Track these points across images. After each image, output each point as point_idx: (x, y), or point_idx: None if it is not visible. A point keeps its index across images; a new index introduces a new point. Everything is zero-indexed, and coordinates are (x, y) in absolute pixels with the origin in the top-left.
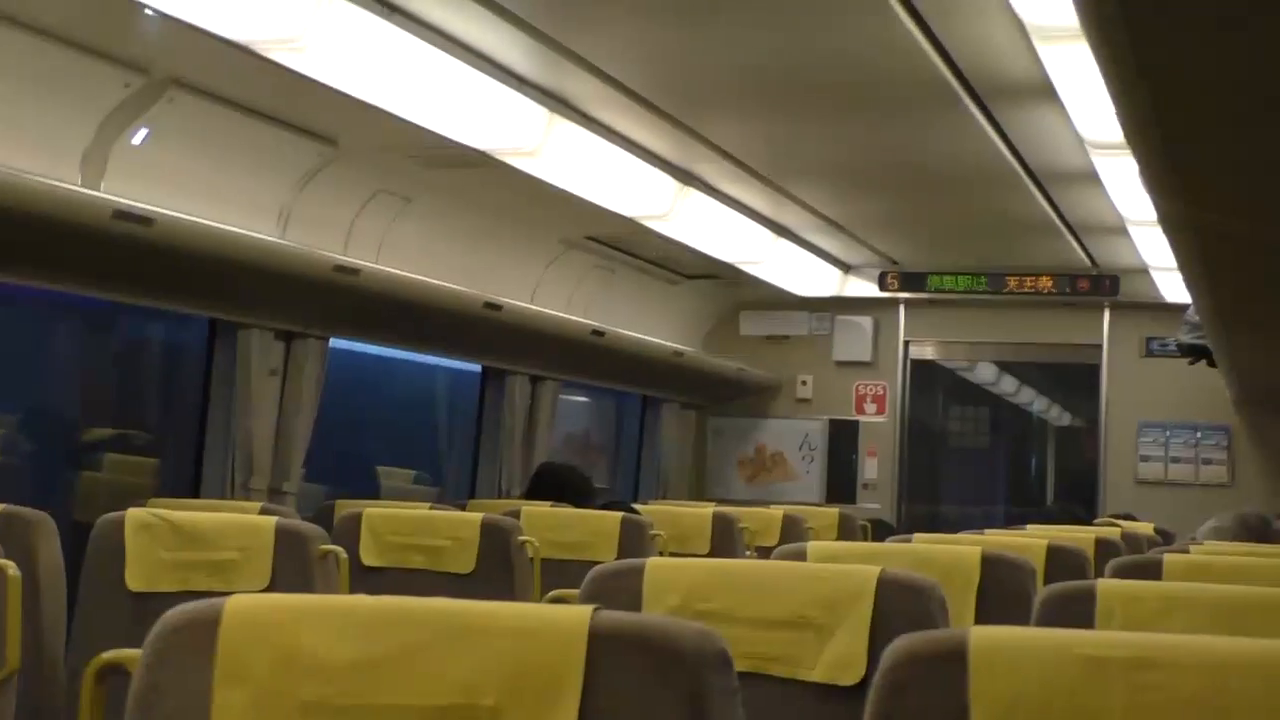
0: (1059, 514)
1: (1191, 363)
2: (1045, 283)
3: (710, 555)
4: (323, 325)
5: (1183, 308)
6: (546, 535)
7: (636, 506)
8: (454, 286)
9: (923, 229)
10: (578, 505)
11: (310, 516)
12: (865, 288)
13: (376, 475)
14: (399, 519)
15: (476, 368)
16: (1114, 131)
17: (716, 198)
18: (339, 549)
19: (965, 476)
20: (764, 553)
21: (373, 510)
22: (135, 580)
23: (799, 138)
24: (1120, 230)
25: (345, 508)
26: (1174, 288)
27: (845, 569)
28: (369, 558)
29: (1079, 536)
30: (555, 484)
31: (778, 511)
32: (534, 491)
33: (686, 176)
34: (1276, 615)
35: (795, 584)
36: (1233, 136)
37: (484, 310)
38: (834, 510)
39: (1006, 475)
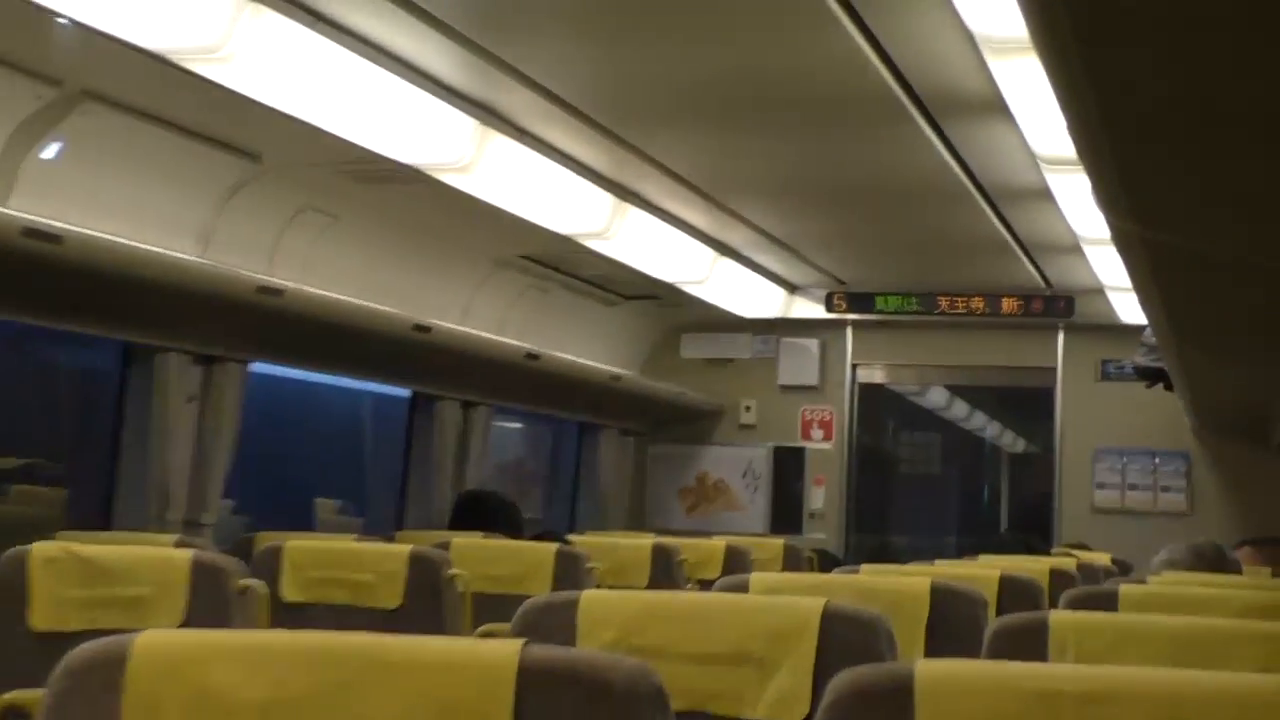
0: (1013, 544)
1: (1149, 386)
2: (1000, 304)
3: (649, 588)
4: (244, 349)
5: (1139, 329)
6: (478, 568)
7: (573, 538)
8: (382, 308)
9: (871, 248)
10: (507, 536)
11: (229, 549)
12: (811, 309)
13: (312, 507)
14: (322, 552)
15: (405, 393)
16: (1066, 146)
17: (656, 215)
18: (258, 583)
19: (916, 506)
20: (705, 585)
21: (295, 543)
22: (40, 619)
23: (742, 153)
24: (1074, 249)
25: (266, 540)
26: (1130, 308)
27: (789, 601)
28: (290, 593)
29: (1033, 567)
30: (480, 513)
31: (720, 543)
32: (456, 522)
33: (625, 193)
34: (1234, 647)
35: (737, 617)
36: (1185, 153)
37: (413, 332)
38: (779, 541)
39: (958, 504)
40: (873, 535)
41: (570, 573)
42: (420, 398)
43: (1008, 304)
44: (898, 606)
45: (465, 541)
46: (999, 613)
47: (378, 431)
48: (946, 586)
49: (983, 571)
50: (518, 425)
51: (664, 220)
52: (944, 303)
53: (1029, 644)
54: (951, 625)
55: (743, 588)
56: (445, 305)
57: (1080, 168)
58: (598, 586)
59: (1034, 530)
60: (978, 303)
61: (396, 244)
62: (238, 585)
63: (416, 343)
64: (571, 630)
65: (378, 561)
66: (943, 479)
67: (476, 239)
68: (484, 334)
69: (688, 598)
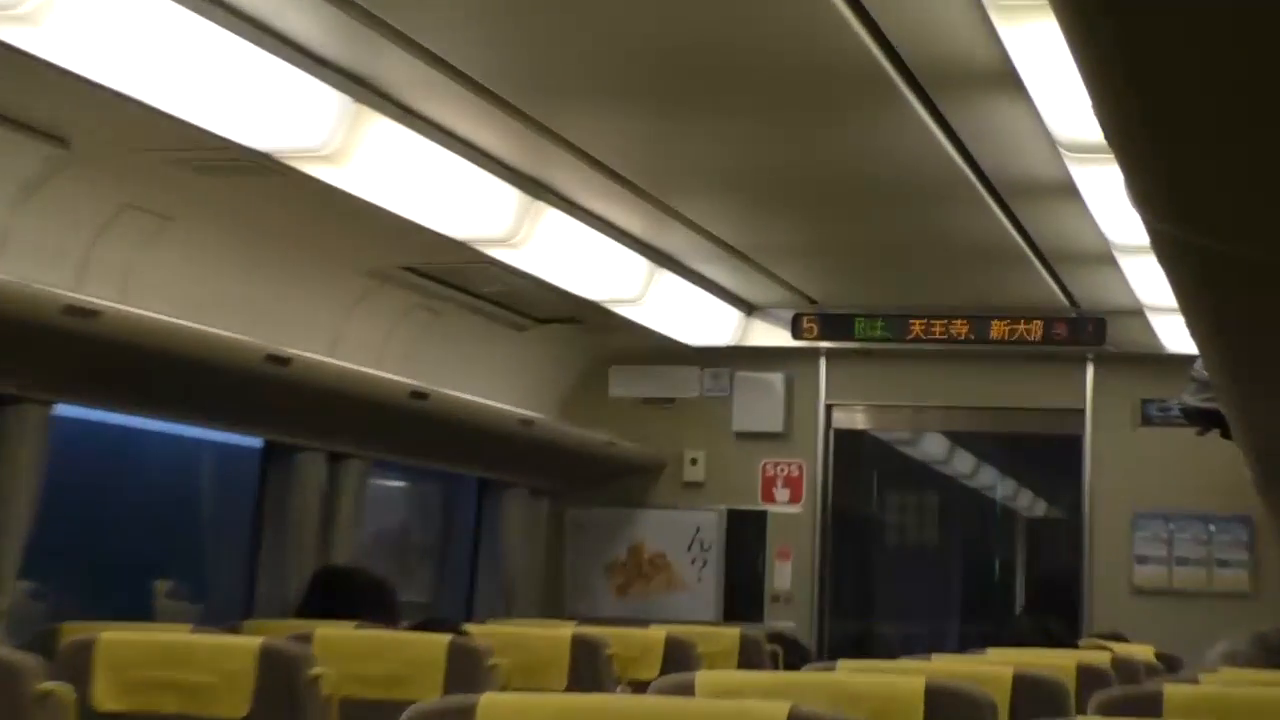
0: (1030, 632)
1: (1201, 433)
2: (1012, 329)
3: (569, 690)
4: (46, 386)
5: (1189, 360)
6: (348, 667)
7: (470, 627)
8: (228, 334)
9: (849, 258)
10: (379, 625)
11: (26, 644)
12: (775, 335)
13: (145, 590)
14: (147, 647)
15: (257, 442)
16: (1095, 130)
17: (577, 216)
18: (63, 687)
19: (908, 584)
20: (640, 687)
21: (111, 636)
22: None
23: (686, 138)
24: (1106, 259)
25: (73, 632)
26: (1177, 334)
27: (745, 707)
28: (106, 699)
29: (1056, 663)
30: (342, 596)
31: (659, 633)
32: (311, 608)
33: (537, 188)
34: None
35: None
36: (1243, 139)
37: (267, 365)
38: (733, 631)
39: (962, 583)
40: (853, 622)
41: (467, 671)
42: (276, 448)
43: (1022, 329)
44: (884, 714)
45: (332, 633)
46: None
47: (221, 491)
48: (946, 688)
49: (993, 668)
50: (401, 484)
51: (587, 223)
52: (942, 328)
53: None
54: None
55: (687, 690)
56: (309, 330)
57: (1111, 157)
58: (502, 688)
59: (1057, 616)
60: (985, 328)
61: (247, 253)
62: (36, 690)
63: (271, 378)
64: None
65: (219, 658)
66: (942, 551)
67: (349, 246)
68: (358, 367)
69: (618, 703)
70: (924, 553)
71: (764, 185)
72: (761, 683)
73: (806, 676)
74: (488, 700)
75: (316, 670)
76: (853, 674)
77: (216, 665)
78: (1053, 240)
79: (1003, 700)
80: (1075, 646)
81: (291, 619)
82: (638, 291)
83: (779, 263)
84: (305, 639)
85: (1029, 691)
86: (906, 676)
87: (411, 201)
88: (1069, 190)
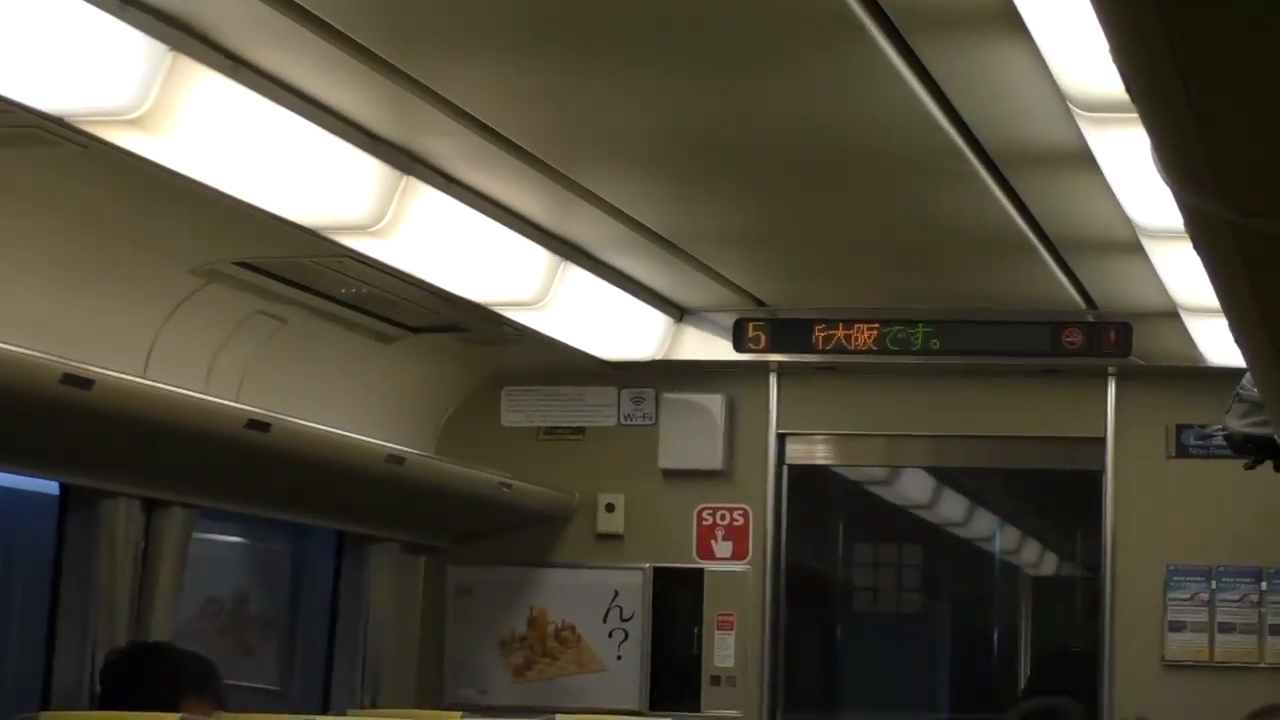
0: (1039, 718)
1: (1250, 465)
2: (1014, 336)
3: None
4: None
5: (1235, 375)
6: None
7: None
8: (12, 348)
9: (807, 248)
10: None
11: None
12: (712, 345)
13: None
14: None
15: (52, 487)
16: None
17: (458, 195)
18: None
19: (883, 662)
20: None
21: None
22: None
23: (595, 90)
24: (1130, 247)
25: None
26: (1220, 342)
27: None
28: None
29: None
30: (148, 678)
31: None
32: (110, 697)
33: (407, 159)
34: None
35: None
36: None
37: (62, 388)
38: None
39: (951, 659)
40: (811, 712)
41: None
42: (76, 494)
43: (1027, 337)
44: None
45: None
46: None
47: (6, 550)
48: None
49: None
50: (236, 539)
51: (471, 205)
52: (923, 336)
53: None
54: None
55: None
56: (116, 343)
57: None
58: None
59: (1072, 697)
60: (979, 336)
61: (35, 243)
62: None
63: (68, 404)
64: None
65: None
66: (926, 620)
67: (168, 235)
68: (179, 389)
69: None
70: (903, 622)
71: (696, 154)
72: None
73: None
74: None
75: None
76: None
77: None
78: (1064, 224)
79: None
80: None
81: (98, 711)
82: (537, 291)
83: (716, 254)
84: None
85: None
86: None
87: (243, 176)
88: (1083, 160)
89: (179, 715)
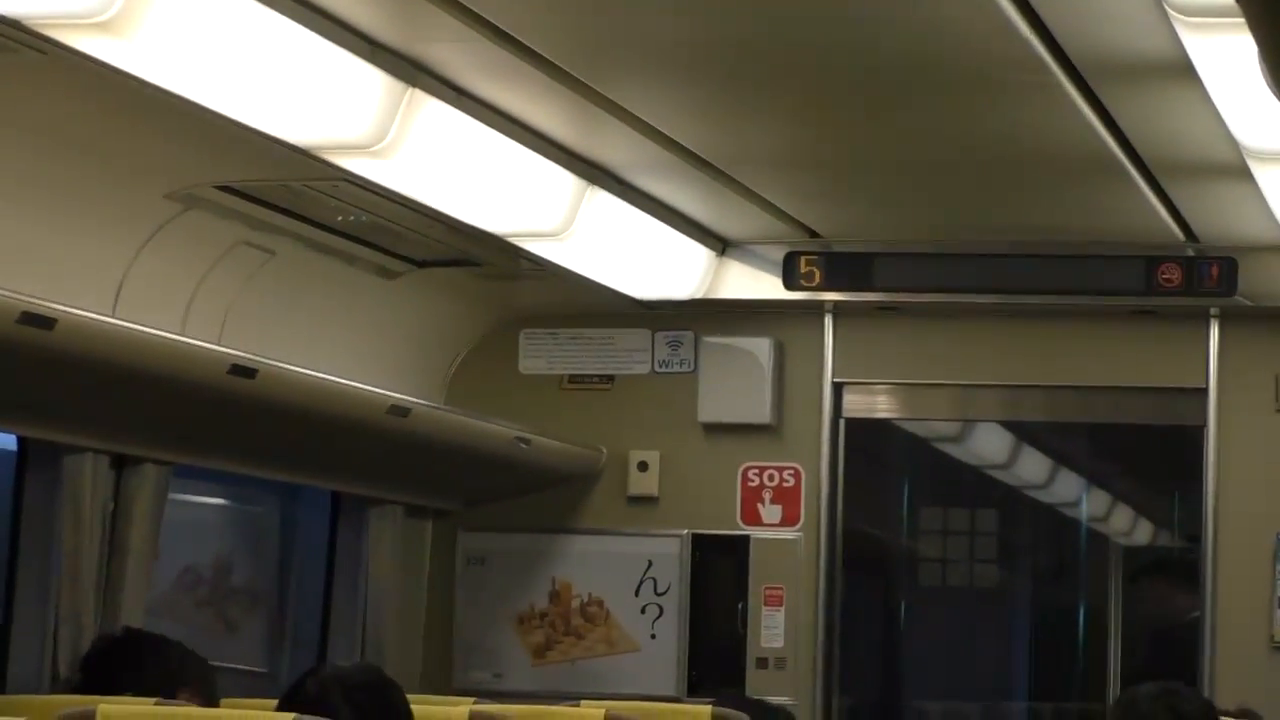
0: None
1: None
2: (1101, 273)
3: None
4: None
5: None
6: None
7: None
8: None
9: (866, 171)
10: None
11: None
12: (759, 283)
13: None
14: None
15: (9, 441)
16: None
17: (469, 110)
18: None
19: (952, 643)
20: None
21: None
22: None
23: None
24: (1235, 171)
25: None
26: None
27: None
28: None
29: None
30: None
31: (595, 711)
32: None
33: (412, 69)
34: None
35: None
36: None
37: (20, 328)
38: (703, 708)
39: (1030, 638)
40: (871, 695)
41: None
42: (36, 449)
43: (1118, 273)
44: None
45: (121, 710)
46: None
47: None
48: None
49: None
50: (219, 501)
51: (485, 121)
52: (998, 273)
53: None
54: None
55: None
56: (82, 277)
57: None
58: None
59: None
60: (1062, 272)
61: None
62: None
63: (27, 346)
64: None
65: None
66: (1001, 595)
67: (140, 155)
68: (153, 330)
69: None
70: (975, 598)
71: (741, 65)
72: None
73: None
74: None
75: None
76: None
77: None
78: (1160, 145)
79: None
80: None
81: (67, 694)
82: (560, 220)
83: (764, 178)
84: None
85: None
86: None
87: (224, 88)
88: (1182, 72)
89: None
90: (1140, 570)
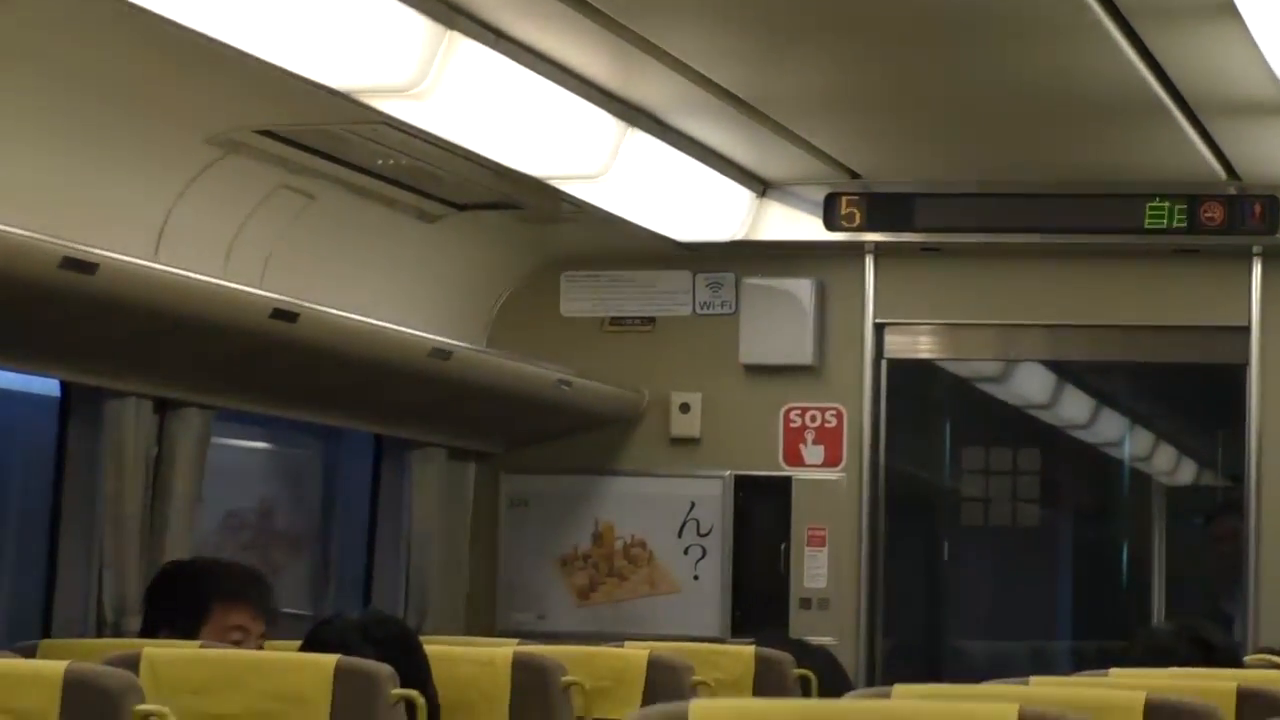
0: (1173, 642)
1: None
2: (1142, 212)
3: None
4: None
5: None
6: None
7: None
8: (3, 228)
9: (908, 111)
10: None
11: None
12: (799, 223)
13: None
14: None
15: (53, 386)
16: None
17: (507, 51)
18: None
19: (995, 582)
20: None
21: None
22: None
23: None
24: (1278, 108)
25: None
26: None
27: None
28: None
29: (1208, 686)
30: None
31: (639, 653)
32: (148, 621)
33: (450, 11)
34: None
35: None
36: None
37: (63, 272)
38: (746, 649)
39: (1074, 580)
40: (914, 635)
41: (362, 701)
42: (79, 394)
43: (1159, 211)
44: None
45: (166, 653)
46: None
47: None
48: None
49: (1117, 694)
50: (261, 445)
51: (523, 62)
52: (1041, 212)
53: None
54: None
55: None
56: (124, 221)
57: None
58: None
59: (1211, 619)
60: (1104, 211)
61: (31, 109)
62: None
63: (69, 291)
64: None
65: (9, 694)
66: (1044, 534)
67: (181, 100)
68: (193, 274)
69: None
70: (1018, 537)
71: (780, 3)
72: (782, 716)
73: (849, 706)
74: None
75: (146, 707)
76: (916, 702)
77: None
78: (1202, 83)
79: None
80: (1237, 663)
81: (107, 638)
82: (601, 163)
83: (804, 119)
84: (129, 664)
85: None
86: (992, 705)
87: (264, 32)
88: (1224, 9)
89: (199, 642)
90: (1218, 509)
